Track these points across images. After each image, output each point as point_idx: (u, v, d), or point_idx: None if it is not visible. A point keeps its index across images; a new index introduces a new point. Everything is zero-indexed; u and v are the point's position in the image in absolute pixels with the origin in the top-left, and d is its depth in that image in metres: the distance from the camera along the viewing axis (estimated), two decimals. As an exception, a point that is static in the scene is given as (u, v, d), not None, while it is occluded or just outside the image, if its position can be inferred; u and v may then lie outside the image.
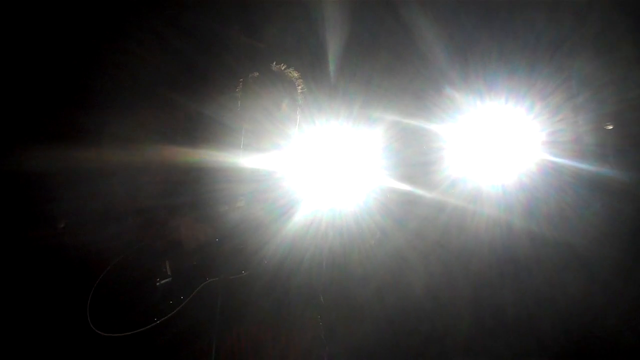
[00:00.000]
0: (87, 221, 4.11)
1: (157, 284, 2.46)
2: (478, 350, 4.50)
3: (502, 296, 4.52)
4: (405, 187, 2.47)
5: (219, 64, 3.43)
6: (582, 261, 4.23)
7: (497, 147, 4.17)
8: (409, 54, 3.88)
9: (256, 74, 2.57)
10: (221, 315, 1.99)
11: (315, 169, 2.69)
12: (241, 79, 2.60)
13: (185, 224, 2.46)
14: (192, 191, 2.45)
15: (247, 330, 2.39)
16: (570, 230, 4.23)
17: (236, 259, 2.37)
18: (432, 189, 3.82)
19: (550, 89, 4.07)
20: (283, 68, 2.64)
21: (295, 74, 2.63)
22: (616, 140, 4.05)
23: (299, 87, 2.65)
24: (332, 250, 2.59)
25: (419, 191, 3.79)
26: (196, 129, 2.50)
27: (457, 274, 4.52)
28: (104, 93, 3.75)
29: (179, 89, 3.32)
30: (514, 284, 4.50)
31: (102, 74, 3.58)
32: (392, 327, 4.43)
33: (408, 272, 4.48)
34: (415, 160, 2.29)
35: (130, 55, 3.29)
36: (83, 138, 4.16)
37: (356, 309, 4.34)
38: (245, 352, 2.35)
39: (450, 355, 4.50)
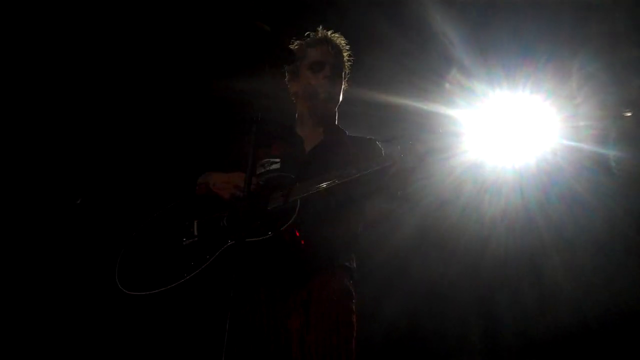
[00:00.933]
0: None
1: (183, 243, 2.38)
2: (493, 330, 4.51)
3: (519, 281, 4.54)
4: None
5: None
6: (600, 246, 4.20)
7: (515, 132, 4.16)
8: (425, 39, 3.88)
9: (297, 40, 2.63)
10: (237, 280, 1.86)
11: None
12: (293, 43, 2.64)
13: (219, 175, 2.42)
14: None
15: (265, 295, 2.29)
16: (587, 215, 4.21)
17: (261, 220, 2.22)
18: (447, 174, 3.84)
19: (567, 74, 4.04)
20: (330, 33, 2.67)
21: (343, 42, 2.67)
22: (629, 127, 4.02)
23: (346, 54, 2.69)
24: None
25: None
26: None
27: (473, 260, 4.54)
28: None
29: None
30: (532, 269, 4.51)
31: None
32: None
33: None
34: (430, 145, 2.27)
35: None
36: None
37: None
38: (263, 319, 2.25)
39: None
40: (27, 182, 4.35)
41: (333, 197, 2.31)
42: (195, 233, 2.38)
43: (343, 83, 2.65)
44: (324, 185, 2.24)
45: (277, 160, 2.50)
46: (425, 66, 4.03)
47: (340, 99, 2.65)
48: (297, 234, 2.22)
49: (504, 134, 4.21)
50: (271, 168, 2.47)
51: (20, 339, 4.10)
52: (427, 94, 4.01)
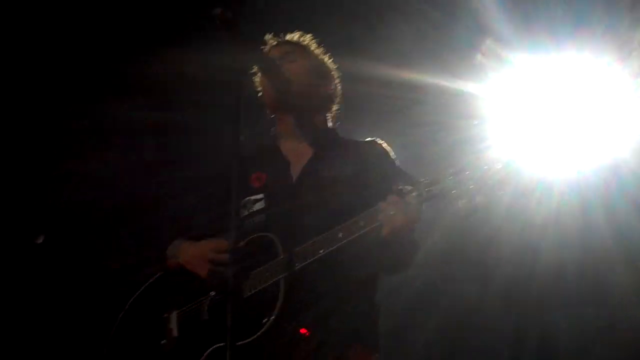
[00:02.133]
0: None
1: (163, 349, 2.10)
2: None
3: (579, 303, 3.97)
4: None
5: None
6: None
7: (566, 118, 3.49)
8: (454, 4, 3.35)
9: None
10: None
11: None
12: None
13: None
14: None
15: None
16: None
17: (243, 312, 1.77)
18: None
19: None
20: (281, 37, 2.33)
21: (305, 38, 2.33)
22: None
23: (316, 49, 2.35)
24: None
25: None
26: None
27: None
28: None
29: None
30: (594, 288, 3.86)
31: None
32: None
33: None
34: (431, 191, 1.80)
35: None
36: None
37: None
38: None
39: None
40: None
41: (324, 266, 1.95)
42: (175, 333, 2.11)
43: (322, 78, 2.29)
44: (308, 261, 1.91)
45: (260, 197, 2.16)
46: (455, 36, 3.45)
47: (325, 95, 2.29)
48: (302, 330, 1.92)
49: (551, 121, 3.62)
50: (254, 209, 2.15)
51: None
52: (456, 70, 3.41)
